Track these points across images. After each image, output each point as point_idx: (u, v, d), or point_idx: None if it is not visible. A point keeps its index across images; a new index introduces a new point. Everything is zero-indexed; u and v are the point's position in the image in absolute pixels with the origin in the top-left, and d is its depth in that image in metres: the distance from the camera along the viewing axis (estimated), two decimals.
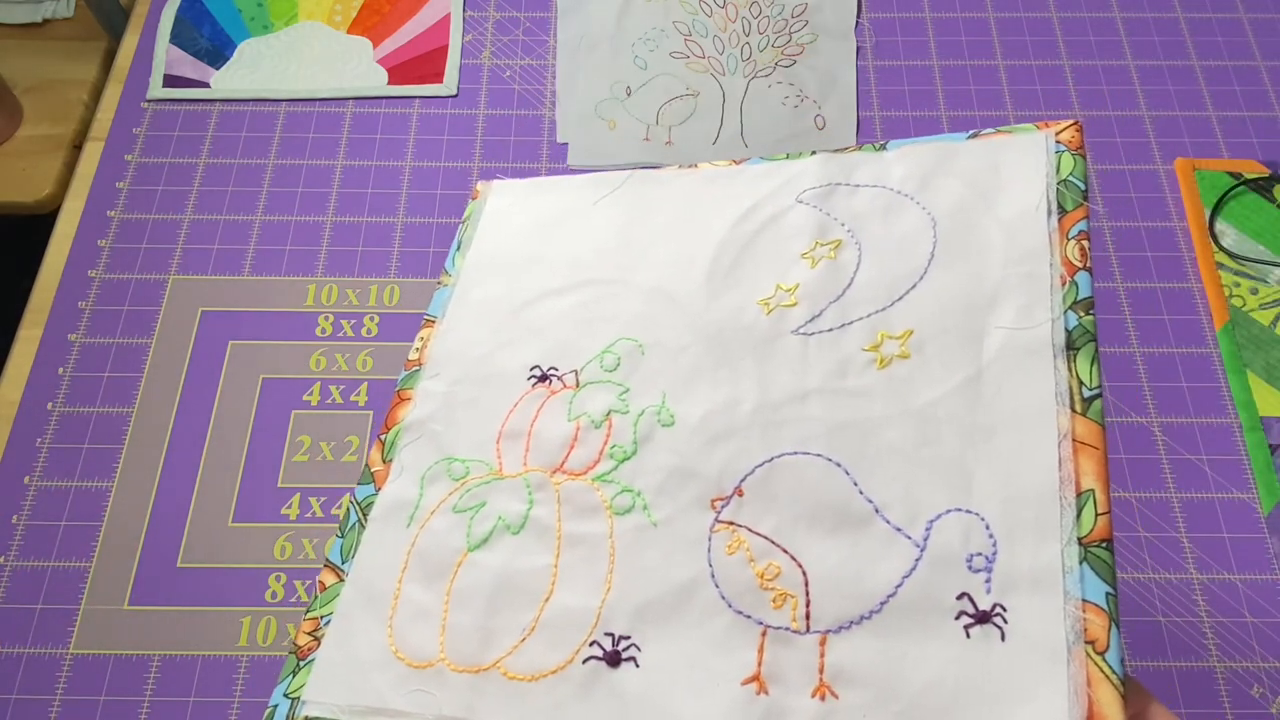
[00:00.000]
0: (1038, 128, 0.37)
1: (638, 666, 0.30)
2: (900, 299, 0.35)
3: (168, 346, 0.63)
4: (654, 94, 0.74)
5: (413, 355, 0.43)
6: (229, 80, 0.75)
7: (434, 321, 0.44)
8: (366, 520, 0.38)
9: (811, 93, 0.74)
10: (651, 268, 0.41)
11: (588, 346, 0.40)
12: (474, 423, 0.39)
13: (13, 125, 0.84)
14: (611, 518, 0.34)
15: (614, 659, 0.31)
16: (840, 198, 0.39)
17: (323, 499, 0.58)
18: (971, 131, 0.38)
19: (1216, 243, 0.67)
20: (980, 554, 0.28)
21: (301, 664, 0.35)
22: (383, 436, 0.41)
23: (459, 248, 0.46)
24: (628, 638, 0.31)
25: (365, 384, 0.62)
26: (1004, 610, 0.27)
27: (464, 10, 0.79)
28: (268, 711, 0.34)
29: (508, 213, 0.47)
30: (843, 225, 0.38)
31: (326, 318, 0.65)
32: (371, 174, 0.71)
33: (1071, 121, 0.36)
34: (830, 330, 0.35)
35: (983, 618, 0.27)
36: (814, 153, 0.42)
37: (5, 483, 0.58)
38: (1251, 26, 0.77)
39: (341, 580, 0.36)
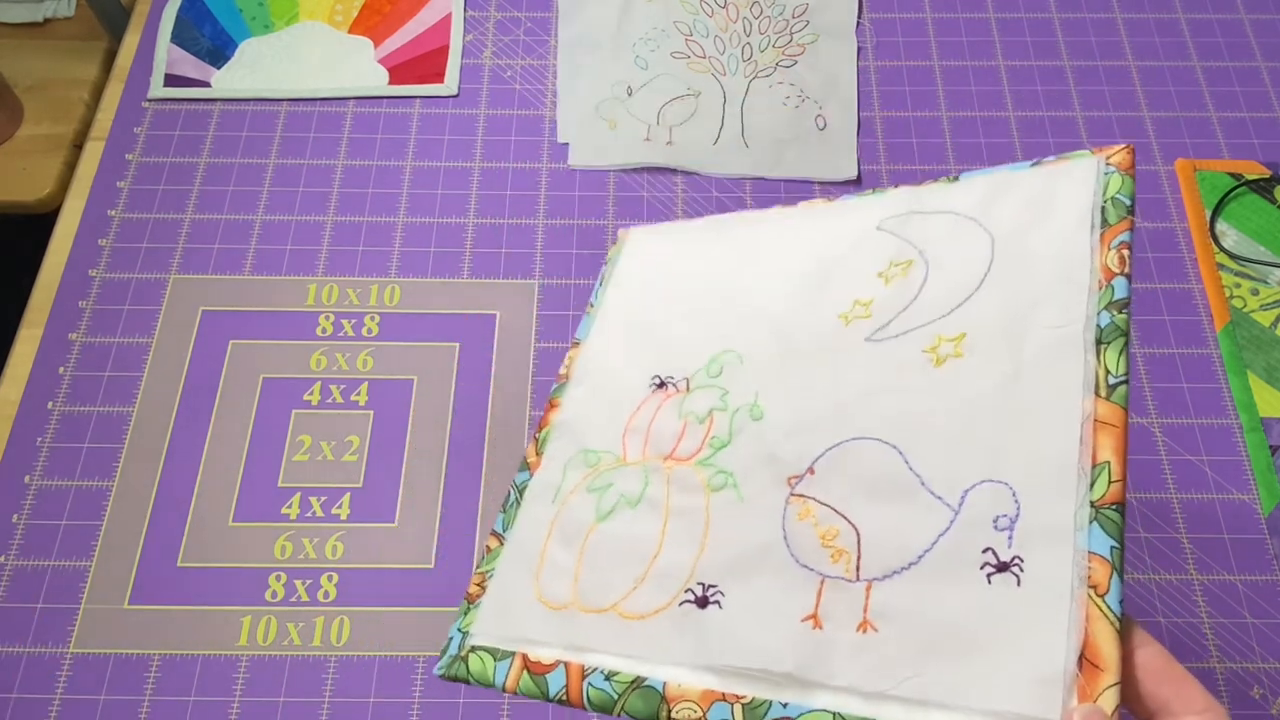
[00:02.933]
0: (1093, 153, 0.41)
1: (721, 608, 0.37)
2: (958, 307, 0.39)
3: (168, 346, 0.63)
4: (655, 94, 0.74)
5: (562, 371, 0.51)
6: (230, 80, 0.75)
7: (579, 343, 0.52)
8: (522, 499, 0.47)
9: (812, 93, 0.74)
10: (753, 292, 0.48)
11: (698, 358, 0.47)
12: (606, 421, 0.47)
13: (14, 124, 0.84)
14: (708, 494, 0.41)
15: (703, 602, 0.37)
16: (915, 223, 0.44)
17: (323, 498, 0.58)
18: (1035, 160, 0.43)
19: (1217, 243, 0.67)
20: (1005, 515, 0.32)
21: (470, 607, 0.43)
22: (537, 435, 0.49)
23: (601, 283, 0.55)
24: (715, 586, 0.37)
25: (365, 384, 0.62)
26: (1021, 561, 0.31)
27: (465, 10, 0.79)
28: (445, 643, 0.42)
29: (640, 255, 0.55)
30: (914, 247, 0.43)
31: (327, 317, 0.65)
32: (372, 174, 0.71)
33: (1124, 146, 0.40)
34: (896, 337, 0.40)
35: (1002, 567, 0.31)
36: (897, 186, 0.47)
37: (5, 482, 0.58)
38: (1252, 27, 0.77)
39: (502, 545, 0.45)
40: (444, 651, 0.42)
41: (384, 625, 0.55)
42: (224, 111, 0.74)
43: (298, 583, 0.56)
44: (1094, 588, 0.29)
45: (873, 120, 0.73)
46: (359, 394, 0.62)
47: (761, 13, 0.79)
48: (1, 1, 0.92)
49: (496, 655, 0.40)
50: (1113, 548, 0.30)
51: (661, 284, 0.53)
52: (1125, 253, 0.36)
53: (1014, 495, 0.33)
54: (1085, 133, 0.72)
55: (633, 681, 0.36)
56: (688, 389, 0.46)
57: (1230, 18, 0.78)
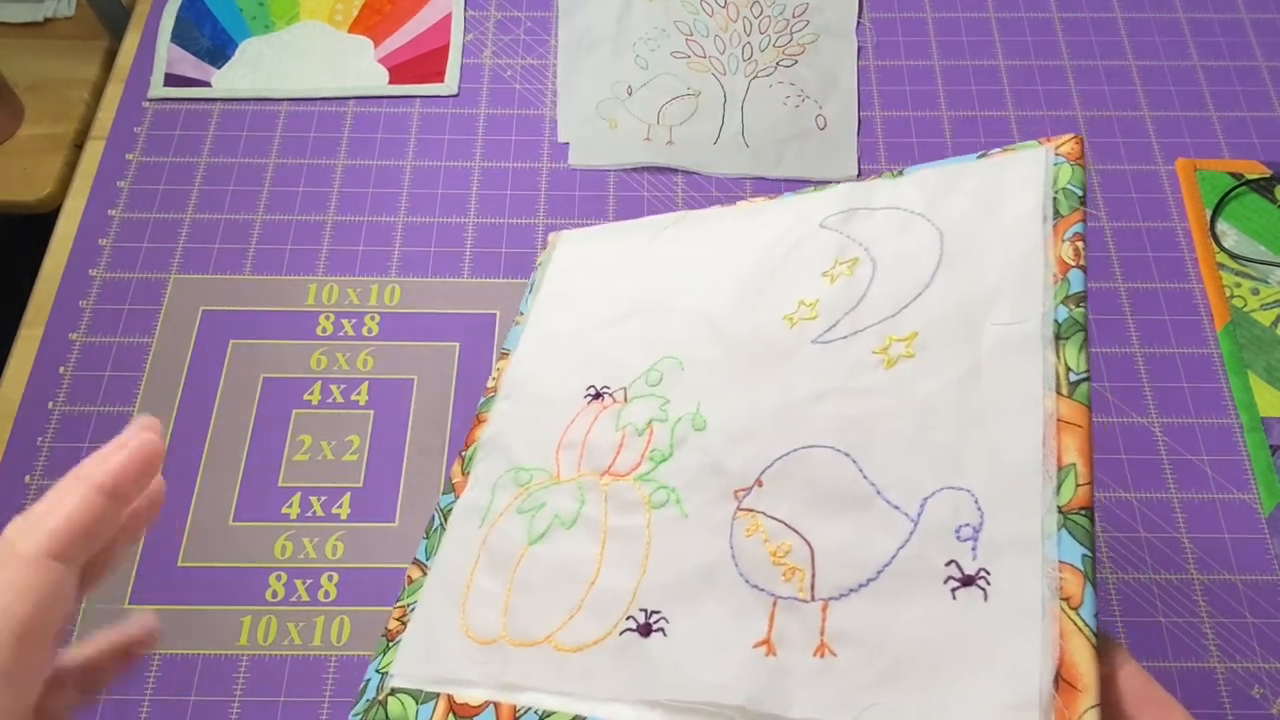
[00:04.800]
0: (1040, 144, 0.39)
1: (665, 636, 0.34)
2: (907, 306, 0.37)
3: (168, 345, 0.63)
4: (655, 94, 0.74)
5: (490, 384, 0.48)
6: (230, 79, 0.75)
7: (508, 354, 0.49)
8: (447, 524, 0.43)
9: (812, 92, 0.74)
10: (692, 294, 0.45)
11: (635, 366, 0.44)
12: (538, 437, 0.44)
13: (14, 124, 0.84)
14: (649, 511, 0.38)
15: (645, 630, 0.34)
16: (859, 220, 0.42)
17: (323, 498, 0.58)
18: (980, 153, 0.41)
19: (1218, 243, 0.67)
20: (968, 524, 0.30)
21: (390, 645, 0.40)
22: (463, 453, 0.46)
23: (531, 290, 0.52)
24: (658, 612, 0.35)
25: (366, 383, 0.62)
26: (987, 574, 0.29)
27: (465, 10, 0.79)
28: (362, 685, 0.39)
29: (572, 259, 0.52)
30: (860, 245, 0.41)
31: (327, 317, 0.65)
32: (372, 173, 0.71)
33: (1071, 136, 0.38)
34: (844, 338, 0.38)
35: (967, 581, 0.29)
36: (838, 184, 0.45)
37: (6, 482, 0.58)
38: (1252, 27, 0.77)
39: (425, 574, 0.42)
40: (360, 695, 0.39)
41: (384, 625, 0.55)
42: (224, 111, 0.74)
43: (298, 582, 0.56)
44: (1066, 600, 0.27)
45: (873, 120, 0.73)
46: (359, 393, 0.62)
47: (762, 12, 0.79)
48: (2, 1, 0.92)
49: (419, 698, 0.37)
50: (1084, 556, 0.28)
51: (595, 289, 0.49)
52: (1080, 244, 0.34)
53: (976, 503, 0.30)
54: (1086, 132, 0.72)
55: None
56: (625, 399, 0.43)
57: (1231, 17, 0.78)
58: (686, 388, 0.41)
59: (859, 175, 0.71)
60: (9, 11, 0.91)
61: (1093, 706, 0.25)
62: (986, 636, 0.28)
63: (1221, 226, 0.67)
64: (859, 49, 0.77)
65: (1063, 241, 0.35)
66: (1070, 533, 0.28)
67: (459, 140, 0.73)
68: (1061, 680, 0.26)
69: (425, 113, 0.74)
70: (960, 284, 0.36)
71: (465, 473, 0.45)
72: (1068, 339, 0.32)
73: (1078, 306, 0.33)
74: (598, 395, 0.44)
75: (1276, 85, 0.74)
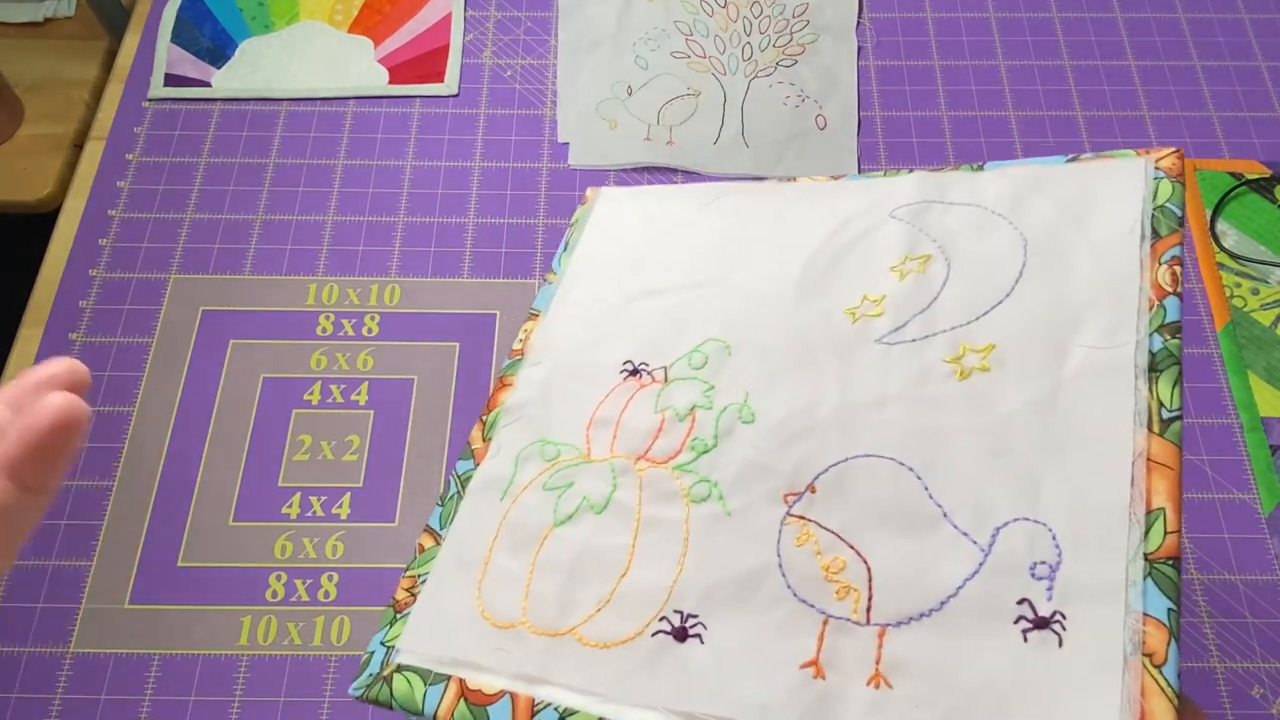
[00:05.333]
0: (1138, 154, 0.37)
1: (703, 643, 0.32)
2: (985, 314, 0.35)
3: (168, 346, 0.63)
4: (655, 94, 0.74)
5: (516, 345, 0.45)
6: (230, 79, 0.75)
7: (538, 315, 0.46)
8: (464, 492, 0.40)
9: (812, 92, 0.74)
10: (744, 273, 0.43)
11: (678, 345, 0.41)
12: (568, 409, 0.41)
13: (14, 124, 0.84)
14: (688, 505, 0.36)
15: (681, 635, 0.32)
16: (934, 215, 0.40)
17: (323, 498, 0.58)
18: (1071, 156, 0.39)
19: (1218, 243, 0.67)
20: (1044, 562, 0.28)
21: (398, 617, 0.37)
22: (484, 417, 0.43)
23: (566, 248, 0.48)
24: (695, 616, 0.32)
25: (366, 383, 0.62)
26: (1063, 618, 0.27)
27: (465, 10, 0.79)
28: (365, 657, 0.37)
29: (613, 218, 0.49)
30: (934, 241, 0.39)
31: (327, 317, 0.65)
32: (372, 173, 0.71)
33: (1173, 150, 0.36)
34: (913, 341, 0.36)
35: (1041, 623, 0.27)
36: (911, 170, 0.42)
37: None
38: (1252, 26, 0.77)
39: (438, 544, 0.39)
40: (363, 668, 0.37)
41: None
42: (224, 111, 0.74)
43: (298, 582, 0.56)
44: (1149, 656, 0.25)
45: (873, 120, 0.73)
46: (359, 394, 0.62)
47: (762, 12, 0.79)
48: (2, 1, 0.92)
49: (427, 678, 0.34)
50: (1170, 610, 0.26)
51: (636, 254, 0.46)
52: (1177, 269, 0.32)
53: (1054, 539, 0.29)
54: (1085, 132, 0.72)
55: None
56: (665, 380, 0.40)
57: (1231, 17, 0.78)
58: (733, 375, 0.39)
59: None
60: (9, 11, 0.91)
61: None
62: (1060, 687, 0.26)
63: (1221, 226, 0.67)
64: (859, 49, 0.77)
65: (1160, 264, 0.33)
66: (1156, 583, 0.27)
67: (459, 140, 0.73)
68: None
69: (425, 113, 0.74)
70: (1045, 298, 0.34)
71: (486, 439, 0.42)
72: (1162, 372, 0.31)
73: (1173, 338, 0.31)
74: (634, 372, 0.41)
75: (1276, 85, 0.74)
